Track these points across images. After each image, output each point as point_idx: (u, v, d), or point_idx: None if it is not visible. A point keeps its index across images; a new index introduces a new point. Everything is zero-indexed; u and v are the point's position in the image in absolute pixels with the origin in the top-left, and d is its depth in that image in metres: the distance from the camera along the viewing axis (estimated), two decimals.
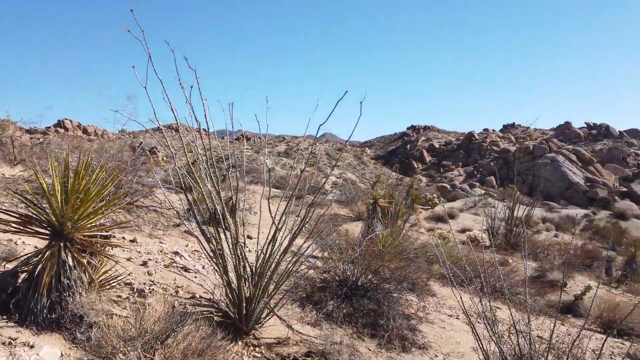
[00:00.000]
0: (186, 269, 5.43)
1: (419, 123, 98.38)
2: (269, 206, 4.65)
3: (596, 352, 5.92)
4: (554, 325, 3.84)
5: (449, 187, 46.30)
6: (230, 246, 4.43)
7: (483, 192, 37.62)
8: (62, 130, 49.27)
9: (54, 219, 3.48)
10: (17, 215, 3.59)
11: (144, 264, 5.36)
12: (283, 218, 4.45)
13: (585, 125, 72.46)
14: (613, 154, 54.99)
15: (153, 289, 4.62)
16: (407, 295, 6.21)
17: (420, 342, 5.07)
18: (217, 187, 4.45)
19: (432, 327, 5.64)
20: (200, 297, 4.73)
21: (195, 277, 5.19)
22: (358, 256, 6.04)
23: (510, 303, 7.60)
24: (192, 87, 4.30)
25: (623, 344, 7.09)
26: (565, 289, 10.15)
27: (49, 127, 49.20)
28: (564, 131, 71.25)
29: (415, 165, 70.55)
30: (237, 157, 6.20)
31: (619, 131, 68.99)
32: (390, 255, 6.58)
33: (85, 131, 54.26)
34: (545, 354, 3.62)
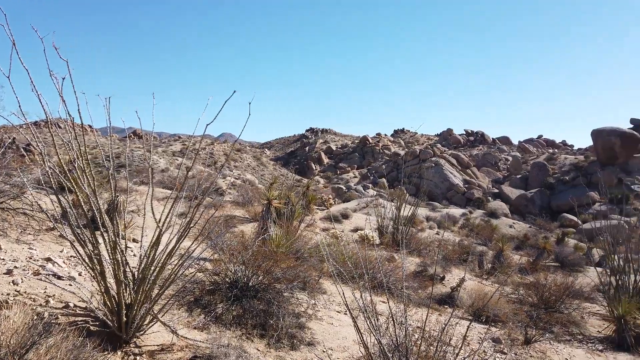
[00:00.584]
0: (59, 277, 4.99)
1: (317, 126, 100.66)
2: (152, 207, 4.45)
3: (466, 338, 6.57)
4: (427, 315, 4.17)
5: (344, 188, 47.95)
6: (109, 250, 4.16)
7: (375, 193, 39.59)
8: None
9: None
10: None
11: (9, 272, 4.82)
12: (168, 219, 4.29)
13: (464, 133, 79.80)
14: (487, 159, 61.20)
15: (18, 300, 4.17)
16: (298, 294, 6.33)
17: (309, 339, 5.20)
18: (93, 187, 4.16)
19: (320, 324, 5.81)
20: (75, 306, 4.37)
21: (70, 285, 4.78)
22: (250, 257, 6.03)
23: (394, 297, 8.12)
24: (64, 78, 3.97)
25: (490, 329, 7.90)
26: (443, 282, 11.04)
27: None
28: (447, 137, 77.75)
29: (314, 167, 72.07)
30: (128, 156, 5.85)
31: (493, 138, 77.06)
32: (282, 255, 6.65)
33: None
34: (419, 341, 3.93)
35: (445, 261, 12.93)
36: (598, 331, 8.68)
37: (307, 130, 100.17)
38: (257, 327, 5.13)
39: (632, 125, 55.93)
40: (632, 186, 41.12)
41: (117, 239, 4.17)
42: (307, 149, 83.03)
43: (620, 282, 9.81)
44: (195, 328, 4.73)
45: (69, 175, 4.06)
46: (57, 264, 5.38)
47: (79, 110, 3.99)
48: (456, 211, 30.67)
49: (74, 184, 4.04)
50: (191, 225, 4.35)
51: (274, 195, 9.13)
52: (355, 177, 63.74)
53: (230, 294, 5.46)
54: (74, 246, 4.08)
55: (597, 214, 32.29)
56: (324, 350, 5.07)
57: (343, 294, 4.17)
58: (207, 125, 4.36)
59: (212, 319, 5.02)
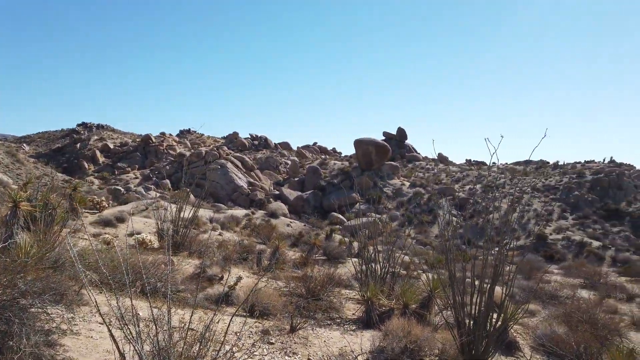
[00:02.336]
0: None
1: (91, 121, 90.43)
2: None
3: (238, 334, 6.79)
4: (192, 315, 4.16)
5: (123, 190, 44.27)
6: None
7: (158, 194, 37.71)
8: None
9: None
10: None
11: None
12: None
13: (250, 137, 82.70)
14: (270, 162, 64.70)
15: None
16: (51, 308, 5.56)
17: (60, 357, 4.62)
18: None
19: (77, 339, 5.23)
20: None
21: None
22: None
23: (172, 302, 7.85)
24: None
25: (261, 322, 8.33)
26: (221, 281, 11.18)
27: None
28: (233, 140, 79.32)
29: (87, 166, 64.52)
30: None
31: (275, 143, 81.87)
32: (30, 266, 5.73)
33: None
34: (180, 342, 3.88)
35: (225, 261, 13.14)
36: (353, 314, 10.02)
37: (79, 125, 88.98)
38: None
39: (384, 137, 66.85)
40: (384, 189, 49.05)
41: None
42: (78, 145, 73.78)
43: (370, 270, 11.60)
44: None
45: None
46: None
47: None
48: (240, 212, 31.52)
49: None
50: None
51: (22, 196, 7.80)
52: (137, 178, 59.51)
53: None
54: None
55: (358, 212, 37.54)
56: None
57: (96, 302, 3.83)
58: None
59: None
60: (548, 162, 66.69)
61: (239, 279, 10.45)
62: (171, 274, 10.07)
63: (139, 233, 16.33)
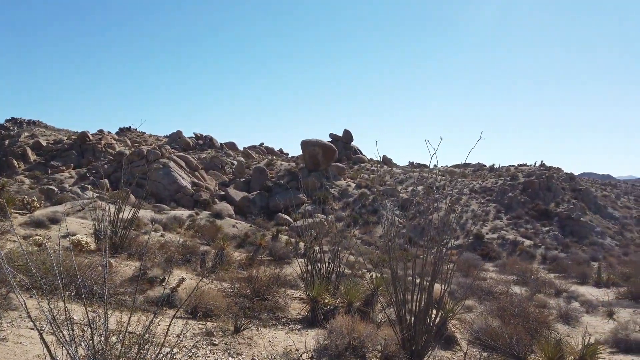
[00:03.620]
0: None
1: (22, 116, 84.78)
2: None
3: (179, 335, 6.62)
4: (130, 317, 4.03)
5: (57, 190, 41.88)
6: None
7: (95, 195, 35.97)
8: None
9: None
10: None
11: None
12: None
13: (194, 136, 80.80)
14: (215, 162, 63.50)
15: None
16: None
17: None
18: None
19: (5, 345, 4.91)
20: None
21: None
22: None
23: (110, 305, 7.52)
24: None
25: (204, 324, 8.17)
26: (163, 283, 10.86)
27: None
28: (176, 139, 77.15)
29: (16, 165, 60.46)
30: None
31: (221, 143, 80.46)
32: None
33: None
34: (118, 344, 3.75)
35: (167, 263, 12.76)
36: (298, 313, 10.06)
37: (7, 121, 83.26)
38: None
39: (330, 139, 67.52)
40: (330, 189, 49.53)
41: None
42: (7, 142, 68.95)
43: (316, 270, 11.68)
44: None
45: None
46: None
47: None
48: (183, 213, 30.68)
49: None
50: None
51: None
52: (72, 177, 56.47)
53: None
54: None
55: (305, 213, 37.67)
56: None
57: (26, 306, 3.62)
58: None
59: None
60: (485, 165, 70.14)
61: (182, 280, 10.19)
62: (109, 276, 9.67)
63: (74, 234, 15.50)
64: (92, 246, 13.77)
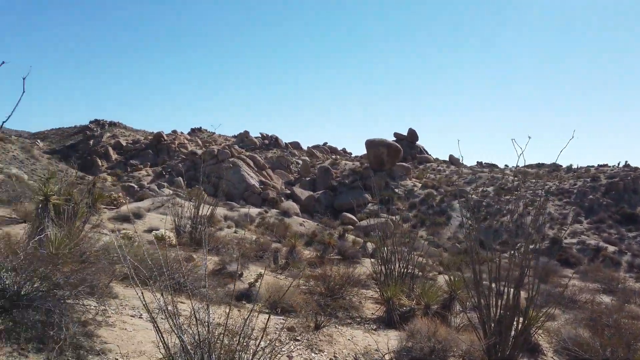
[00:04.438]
0: None
1: (104, 118, 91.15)
2: None
3: (266, 329, 6.82)
4: (229, 310, 4.20)
5: (136, 187, 44.66)
6: None
7: (171, 192, 37.96)
8: None
9: None
10: None
11: None
12: None
13: (260, 136, 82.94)
14: (281, 162, 64.86)
15: None
16: (85, 300, 5.63)
17: (99, 348, 4.69)
18: None
19: (112, 330, 5.30)
20: None
21: None
22: (23, 262, 5.11)
23: (195, 297, 7.91)
24: None
25: (285, 319, 8.37)
26: (241, 278, 11.25)
27: None
28: (243, 139, 79.57)
29: (100, 163, 65.25)
30: None
31: (285, 143, 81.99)
32: (64, 259, 5.83)
33: None
34: (222, 336, 3.93)
35: (243, 258, 13.21)
36: (372, 313, 10.03)
37: (91, 122, 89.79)
38: (32, 340, 4.38)
39: (395, 138, 66.69)
40: (395, 189, 48.95)
41: None
42: (91, 142, 74.57)
43: (388, 270, 11.58)
44: None
45: None
46: None
47: None
48: (253, 210, 31.63)
49: None
50: None
51: (53, 190, 7.93)
52: (149, 175, 60.01)
53: None
54: None
55: (370, 213, 37.51)
56: (117, 357, 4.65)
57: (142, 294, 3.89)
58: None
59: None
60: (561, 166, 66.14)
61: (260, 275, 10.50)
62: (193, 270, 10.16)
63: (156, 229, 16.47)
64: (174, 241, 14.55)
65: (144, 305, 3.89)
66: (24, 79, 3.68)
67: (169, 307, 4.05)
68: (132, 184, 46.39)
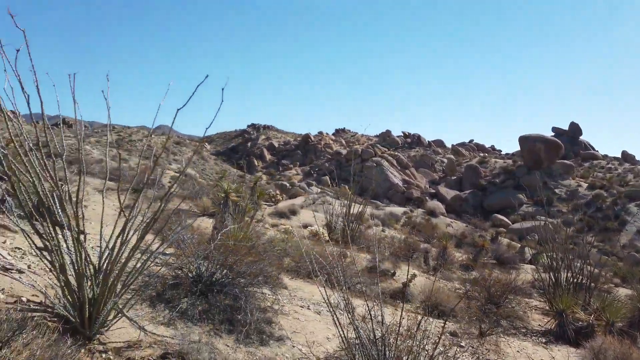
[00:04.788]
0: (5, 269, 4.51)
1: (258, 122, 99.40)
2: (103, 199, 4.14)
3: (425, 332, 6.69)
4: (402, 311, 4.18)
5: (288, 185, 47.80)
6: (70, 241, 3.82)
7: (319, 190, 39.77)
8: None
9: None
10: None
11: None
12: (131, 211, 4.02)
13: (402, 134, 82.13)
14: (424, 160, 63.44)
15: None
16: (263, 288, 6.17)
17: (277, 334, 5.08)
18: (53, 174, 3.81)
19: (287, 318, 5.70)
20: (29, 300, 3.97)
21: (20, 277, 4.34)
22: (213, 251, 5.79)
23: (352, 293, 8.14)
24: (18, 50, 3.57)
25: (444, 324, 8.11)
26: (394, 277, 11.25)
27: None
28: (385, 138, 79.64)
29: (256, 163, 71.28)
30: (57, 146, 5.23)
31: (428, 141, 79.93)
32: (245, 250, 6.45)
33: None
34: (397, 335, 3.93)
35: (394, 257, 13.20)
36: (539, 324, 9.19)
37: (248, 126, 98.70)
38: (224, 322, 4.93)
39: (553, 133, 60.32)
40: (555, 190, 44.25)
41: (79, 230, 3.84)
42: (249, 144, 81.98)
43: (557, 279, 10.49)
44: (161, 324, 4.46)
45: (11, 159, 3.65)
46: (2, 255, 4.87)
47: (37, 90, 3.62)
48: (398, 209, 31.50)
49: (20, 169, 3.66)
50: (156, 217, 4.11)
51: (232, 188, 8.87)
52: (298, 174, 63.75)
53: (195, 288, 5.21)
54: (28, 237, 3.72)
55: (526, 215, 34.49)
56: (294, 345, 4.97)
57: (325, 290, 4.09)
58: (179, 110, 4.13)
59: (177, 314, 4.76)
60: None
61: (414, 276, 10.37)
62: (347, 266, 10.45)
63: (310, 225, 17.40)
64: (326, 237, 15.19)
65: (325, 301, 4.09)
66: (222, 89, 4.12)
67: (345, 303, 4.19)
68: (285, 182, 49.72)
